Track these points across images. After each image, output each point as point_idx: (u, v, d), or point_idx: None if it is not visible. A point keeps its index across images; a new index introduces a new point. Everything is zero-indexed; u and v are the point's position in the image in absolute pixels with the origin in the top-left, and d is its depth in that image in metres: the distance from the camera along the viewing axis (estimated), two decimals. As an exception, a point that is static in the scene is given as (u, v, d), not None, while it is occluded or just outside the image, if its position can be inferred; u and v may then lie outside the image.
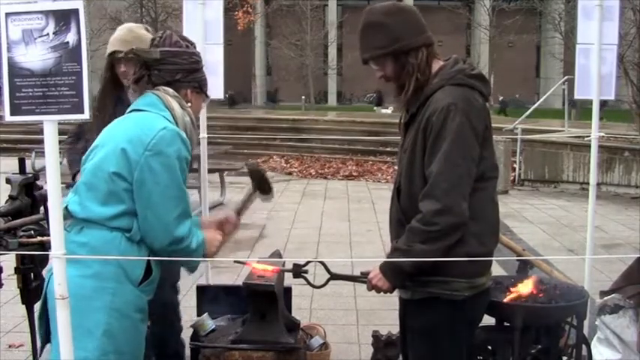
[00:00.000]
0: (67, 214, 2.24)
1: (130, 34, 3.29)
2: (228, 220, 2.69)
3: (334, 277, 2.52)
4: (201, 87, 2.54)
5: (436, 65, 2.41)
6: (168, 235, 2.30)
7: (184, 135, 2.36)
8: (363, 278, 2.46)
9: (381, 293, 2.43)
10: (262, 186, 2.81)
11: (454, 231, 2.26)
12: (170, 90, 2.43)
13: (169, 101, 2.41)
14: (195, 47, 2.56)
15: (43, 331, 2.41)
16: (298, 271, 2.50)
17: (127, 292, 2.28)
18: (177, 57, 2.46)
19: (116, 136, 2.33)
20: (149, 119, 2.34)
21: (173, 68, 2.45)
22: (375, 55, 2.40)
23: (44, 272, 2.85)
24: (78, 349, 2.07)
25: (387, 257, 2.40)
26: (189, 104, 2.48)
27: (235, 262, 2.86)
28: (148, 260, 2.33)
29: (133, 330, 2.34)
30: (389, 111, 26.31)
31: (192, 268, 2.56)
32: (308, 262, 2.53)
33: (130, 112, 2.45)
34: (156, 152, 2.25)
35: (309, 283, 2.52)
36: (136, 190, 2.26)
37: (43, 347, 2.46)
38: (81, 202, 2.29)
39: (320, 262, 2.49)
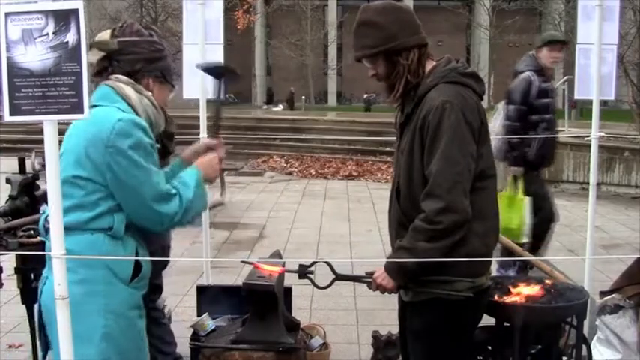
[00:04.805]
0: (47, 222, 2.20)
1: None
2: (207, 145, 2.60)
3: (339, 277, 2.51)
4: (164, 76, 2.50)
5: (429, 66, 2.41)
6: (162, 216, 2.27)
7: (141, 120, 2.30)
8: (367, 278, 2.45)
9: (385, 293, 2.43)
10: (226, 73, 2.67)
11: (458, 229, 2.26)
12: (122, 77, 2.38)
13: (122, 88, 2.36)
14: (158, 36, 2.52)
15: (42, 340, 2.40)
16: (304, 271, 2.49)
17: (119, 292, 2.26)
18: (137, 46, 2.42)
19: (77, 140, 2.29)
20: (102, 114, 2.28)
21: (133, 58, 2.41)
22: (367, 54, 2.40)
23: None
24: (78, 355, 2.04)
25: (391, 256, 2.39)
26: (151, 93, 2.43)
27: (242, 262, 2.86)
28: (136, 255, 2.30)
29: (132, 328, 2.31)
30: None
31: (204, 208, 2.51)
32: (314, 263, 2.52)
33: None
34: (117, 148, 2.21)
35: (313, 283, 2.51)
36: (114, 189, 2.24)
37: (45, 355, 2.44)
38: None
39: (326, 262, 2.48)
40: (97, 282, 2.22)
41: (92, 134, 2.24)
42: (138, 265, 2.32)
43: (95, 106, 2.34)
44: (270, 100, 33.96)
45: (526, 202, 4.92)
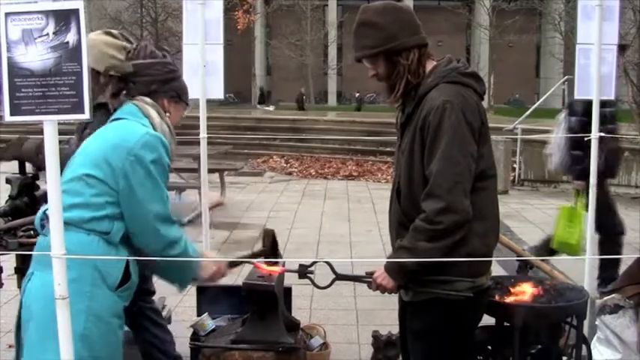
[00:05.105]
0: (46, 219, 2.20)
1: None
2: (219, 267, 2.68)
3: (339, 277, 2.52)
4: (179, 96, 2.56)
5: (430, 66, 2.41)
6: (161, 238, 2.30)
7: (166, 140, 2.38)
8: (367, 278, 2.46)
9: (385, 293, 2.43)
10: (271, 250, 2.86)
11: (458, 229, 2.26)
12: (148, 99, 2.46)
13: (147, 110, 2.43)
14: (171, 55, 2.58)
15: (17, 343, 2.37)
16: (304, 271, 2.49)
17: (104, 297, 2.25)
18: (151, 68, 2.48)
19: (98, 145, 2.33)
20: (130, 126, 2.35)
21: (148, 80, 2.47)
22: (367, 54, 2.41)
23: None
24: (52, 351, 2.03)
25: (392, 256, 2.40)
26: (168, 114, 2.50)
27: (242, 261, 2.86)
28: (127, 264, 2.31)
29: (111, 335, 2.30)
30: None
31: (183, 283, 2.55)
32: (314, 263, 2.52)
33: (111, 121, 2.46)
34: (139, 157, 2.26)
35: (313, 283, 2.51)
36: (124, 197, 2.26)
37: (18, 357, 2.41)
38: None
39: (326, 262, 2.48)
40: (84, 282, 2.21)
41: (116, 141, 2.29)
42: (127, 274, 2.32)
43: (119, 119, 2.40)
44: (262, 100, 33.97)
45: (586, 216, 4.78)
